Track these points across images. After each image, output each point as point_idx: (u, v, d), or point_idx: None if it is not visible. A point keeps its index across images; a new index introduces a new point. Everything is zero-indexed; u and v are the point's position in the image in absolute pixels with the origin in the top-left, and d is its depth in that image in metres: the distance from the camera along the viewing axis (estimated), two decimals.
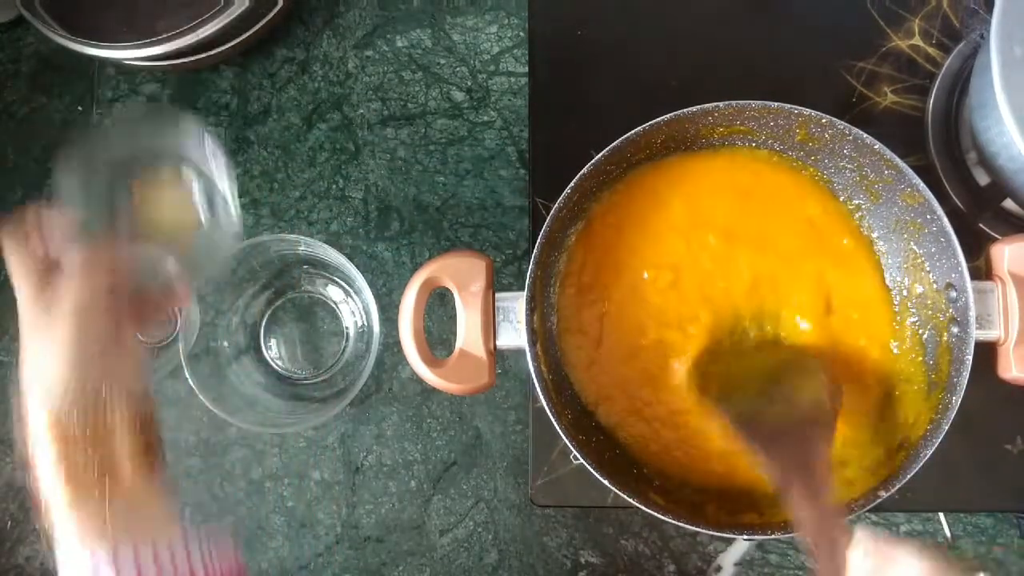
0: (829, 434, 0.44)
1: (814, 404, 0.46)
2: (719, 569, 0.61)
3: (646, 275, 0.52)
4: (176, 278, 0.45)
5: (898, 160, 0.46)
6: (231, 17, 0.59)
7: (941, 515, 0.61)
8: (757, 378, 0.48)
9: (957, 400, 0.44)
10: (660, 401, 0.51)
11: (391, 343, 0.64)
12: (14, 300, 0.40)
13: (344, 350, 0.65)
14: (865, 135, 0.46)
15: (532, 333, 0.47)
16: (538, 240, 0.47)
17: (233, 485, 0.64)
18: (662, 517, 0.45)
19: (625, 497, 0.45)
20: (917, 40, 0.61)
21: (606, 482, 0.45)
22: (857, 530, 0.39)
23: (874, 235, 0.52)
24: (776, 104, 0.47)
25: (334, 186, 0.66)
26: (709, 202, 0.52)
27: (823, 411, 0.45)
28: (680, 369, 0.51)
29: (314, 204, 0.66)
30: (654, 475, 0.51)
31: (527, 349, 0.47)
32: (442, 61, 0.67)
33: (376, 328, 0.59)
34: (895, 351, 0.51)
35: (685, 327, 0.51)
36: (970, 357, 0.44)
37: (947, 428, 0.44)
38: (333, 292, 0.66)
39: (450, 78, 0.66)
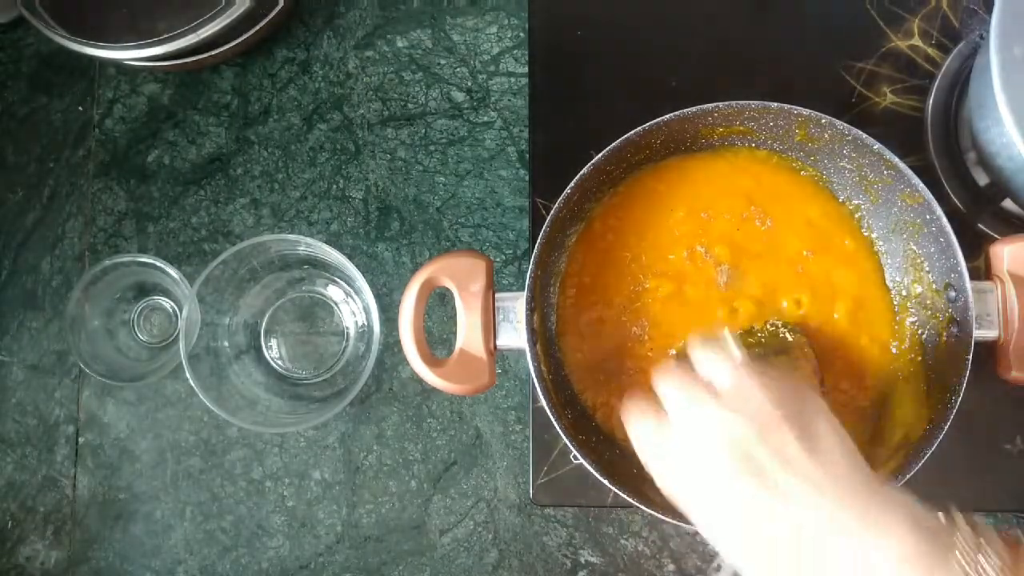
0: None
1: None
2: (719, 568, 0.61)
3: (648, 284, 0.51)
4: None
5: (897, 160, 0.46)
6: (232, 17, 0.59)
7: (941, 515, 0.60)
8: None
9: (957, 400, 0.44)
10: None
11: (391, 343, 0.64)
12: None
13: (344, 350, 0.65)
14: (864, 135, 0.46)
15: (532, 333, 0.47)
16: (538, 240, 0.47)
17: (233, 485, 0.64)
18: (662, 516, 0.45)
19: (625, 496, 0.45)
20: (916, 40, 0.61)
21: (606, 482, 0.45)
22: None
23: (874, 235, 0.52)
24: (776, 104, 0.47)
25: (334, 186, 0.66)
26: (710, 206, 0.52)
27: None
28: None
29: (314, 204, 0.66)
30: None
31: (527, 349, 0.47)
32: (442, 61, 0.67)
33: (376, 328, 0.59)
34: (895, 351, 0.51)
35: (687, 337, 0.51)
36: (969, 357, 0.44)
37: (947, 428, 0.44)
38: (333, 292, 0.66)
39: (450, 78, 0.66)
